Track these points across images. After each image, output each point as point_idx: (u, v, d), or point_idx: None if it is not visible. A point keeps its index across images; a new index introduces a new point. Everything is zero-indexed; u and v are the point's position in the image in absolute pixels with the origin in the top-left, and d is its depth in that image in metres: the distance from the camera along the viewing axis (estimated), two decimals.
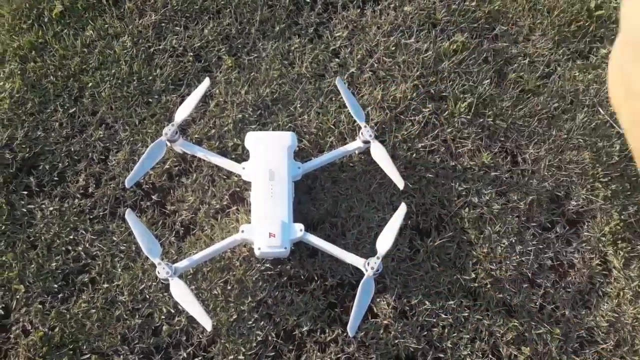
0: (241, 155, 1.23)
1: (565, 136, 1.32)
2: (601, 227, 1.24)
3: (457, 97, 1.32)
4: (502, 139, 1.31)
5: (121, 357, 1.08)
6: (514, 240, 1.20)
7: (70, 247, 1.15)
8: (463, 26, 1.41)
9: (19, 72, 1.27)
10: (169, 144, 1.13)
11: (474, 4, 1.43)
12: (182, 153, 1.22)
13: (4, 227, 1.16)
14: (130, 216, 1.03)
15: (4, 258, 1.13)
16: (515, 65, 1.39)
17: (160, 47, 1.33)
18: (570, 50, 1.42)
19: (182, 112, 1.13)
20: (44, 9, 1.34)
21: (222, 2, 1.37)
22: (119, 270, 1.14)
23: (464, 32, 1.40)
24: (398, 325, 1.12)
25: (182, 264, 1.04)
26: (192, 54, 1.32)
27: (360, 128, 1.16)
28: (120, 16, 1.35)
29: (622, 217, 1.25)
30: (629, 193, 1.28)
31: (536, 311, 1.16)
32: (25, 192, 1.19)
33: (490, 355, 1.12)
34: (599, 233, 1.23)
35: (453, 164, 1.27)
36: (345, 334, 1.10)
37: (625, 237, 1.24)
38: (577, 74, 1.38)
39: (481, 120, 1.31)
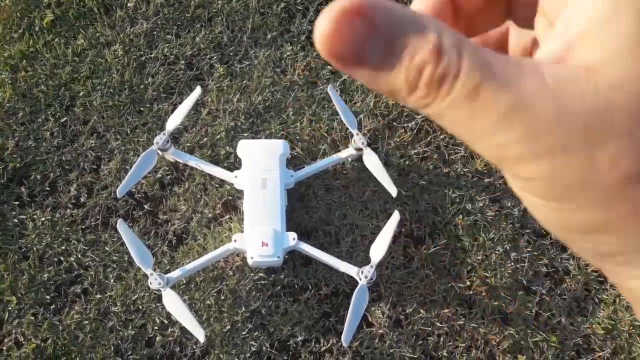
0: (233, 164, 1.22)
1: None
2: None
3: None
4: None
5: None
6: (508, 247, 1.20)
7: (62, 258, 1.15)
8: None
9: (9, 81, 1.27)
10: (160, 153, 1.12)
11: None
12: (174, 162, 1.21)
13: None
14: (121, 226, 1.03)
15: None
16: None
17: (152, 55, 1.32)
18: None
19: (174, 121, 1.12)
20: (35, 18, 1.33)
21: (214, 10, 1.37)
22: (112, 280, 1.13)
23: None
24: (393, 334, 1.11)
25: (175, 274, 1.04)
26: (183, 62, 1.32)
27: (352, 135, 1.15)
28: (111, 25, 1.35)
29: None
30: None
31: (532, 319, 1.15)
32: (17, 203, 1.18)
33: None
34: None
35: (446, 170, 1.26)
36: (340, 344, 1.10)
37: None
38: None
39: None
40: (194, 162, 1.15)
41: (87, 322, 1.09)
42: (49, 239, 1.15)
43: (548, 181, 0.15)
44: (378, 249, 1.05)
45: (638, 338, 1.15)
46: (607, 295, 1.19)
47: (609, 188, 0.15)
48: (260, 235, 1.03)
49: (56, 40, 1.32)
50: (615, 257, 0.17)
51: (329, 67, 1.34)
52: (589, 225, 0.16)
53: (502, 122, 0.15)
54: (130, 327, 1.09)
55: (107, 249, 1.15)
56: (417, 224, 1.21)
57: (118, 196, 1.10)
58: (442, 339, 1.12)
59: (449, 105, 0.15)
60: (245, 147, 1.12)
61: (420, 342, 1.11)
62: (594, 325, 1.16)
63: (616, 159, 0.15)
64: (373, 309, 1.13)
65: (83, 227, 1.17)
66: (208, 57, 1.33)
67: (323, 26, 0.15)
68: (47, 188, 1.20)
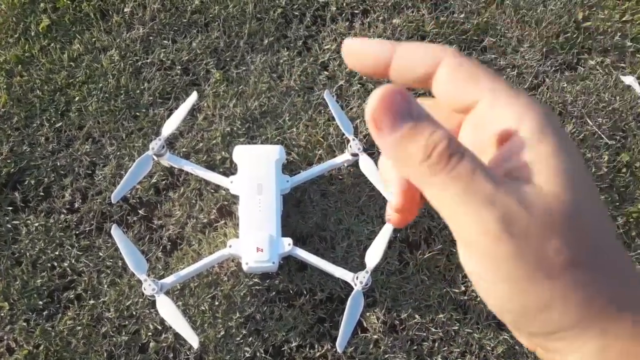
0: (229, 169, 1.22)
1: None
2: None
3: None
4: None
5: None
6: None
7: (55, 263, 1.14)
8: (452, 38, 1.41)
9: (4, 86, 1.26)
10: (155, 158, 1.12)
11: (462, 16, 1.43)
12: (169, 167, 1.21)
13: None
14: (116, 232, 1.02)
15: None
16: (504, 76, 1.39)
17: (148, 60, 1.32)
18: (559, 62, 1.42)
19: (169, 126, 1.12)
20: (30, 22, 1.33)
21: (211, 16, 1.37)
22: (105, 286, 1.12)
23: (452, 44, 1.40)
24: (388, 339, 1.11)
25: (169, 280, 1.03)
26: (180, 67, 1.32)
27: (348, 141, 1.16)
28: (107, 30, 1.35)
29: None
30: (617, 204, 1.28)
31: None
32: (10, 208, 1.17)
33: None
34: None
35: None
36: (334, 350, 1.09)
37: None
38: (565, 85, 1.39)
39: None
40: (190, 167, 1.15)
41: (80, 328, 1.09)
42: (43, 245, 1.14)
43: (513, 260, 0.20)
44: (373, 255, 1.05)
45: None
46: None
47: (555, 268, 0.20)
48: (255, 240, 1.03)
49: (52, 45, 1.32)
50: (556, 334, 0.21)
51: (325, 72, 1.35)
52: (539, 303, 0.20)
53: (488, 201, 0.20)
54: (123, 333, 1.09)
55: (101, 254, 1.15)
56: (412, 230, 1.21)
57: (113, 201, 1.10)
58: (436, 344, 1.11)
59: (452, 177, 0.20)
60: (241, 153, 1.12)
61: (415, 347, 1.11)
62: None
63: (560, 248, 0.20)
64: (368, 314, 1.13)
65: (77, 232, 1.17)
66: (204, 62, 1.33)
67: (373, 101, 0.20)
68: (41, 193, 1.19)
